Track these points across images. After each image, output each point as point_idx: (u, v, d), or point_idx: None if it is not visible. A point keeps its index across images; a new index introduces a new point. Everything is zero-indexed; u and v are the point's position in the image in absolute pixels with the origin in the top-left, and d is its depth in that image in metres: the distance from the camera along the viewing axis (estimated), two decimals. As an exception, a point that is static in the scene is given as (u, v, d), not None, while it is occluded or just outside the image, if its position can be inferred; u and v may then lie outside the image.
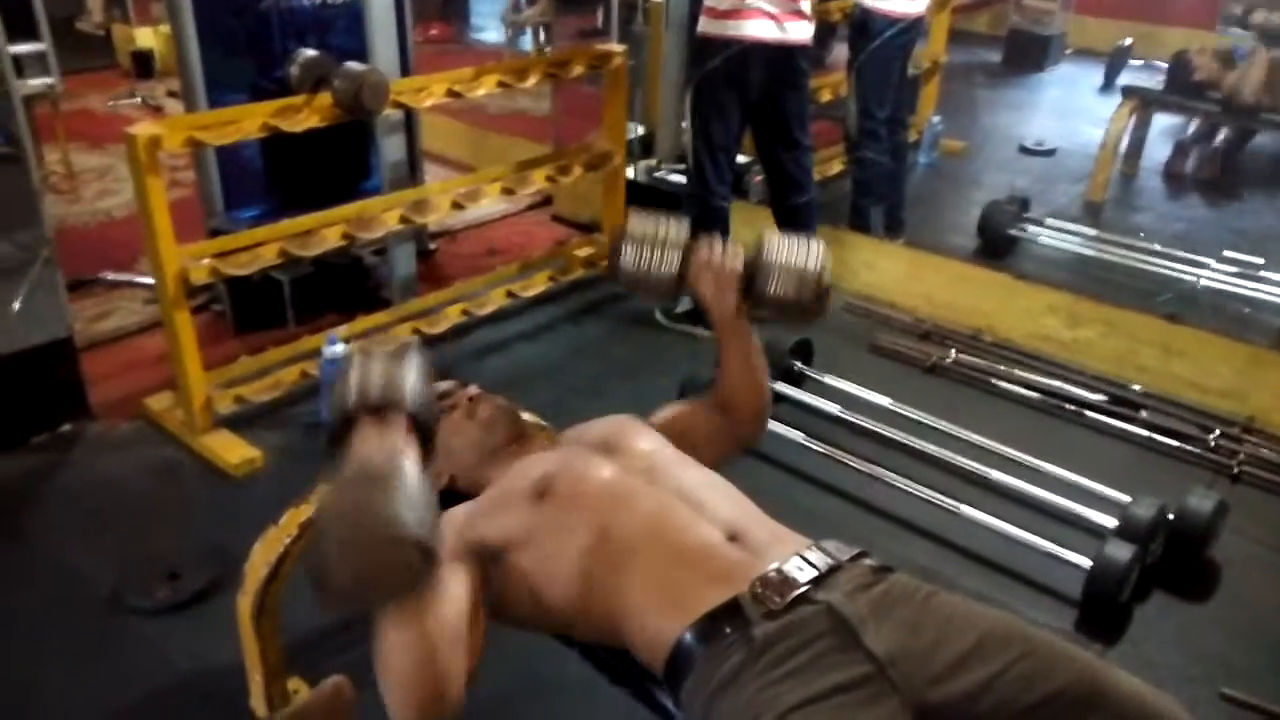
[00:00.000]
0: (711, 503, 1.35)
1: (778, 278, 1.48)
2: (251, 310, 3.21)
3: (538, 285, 3.39)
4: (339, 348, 2.70)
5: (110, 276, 3.53)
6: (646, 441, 1.47)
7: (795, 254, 1.49)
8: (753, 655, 1.15)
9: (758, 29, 2.94)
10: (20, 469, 2.51)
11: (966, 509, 2.36)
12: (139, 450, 2.63)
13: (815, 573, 1.23)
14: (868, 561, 1.29)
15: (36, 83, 4.59)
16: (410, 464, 1.10)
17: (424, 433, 1.22)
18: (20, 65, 4.67)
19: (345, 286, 3.35)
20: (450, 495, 1.55)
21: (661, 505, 1.32)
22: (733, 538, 1.28)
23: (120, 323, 3.28)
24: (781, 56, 3.01)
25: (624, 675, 1.35)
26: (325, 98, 2.56)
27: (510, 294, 3.30)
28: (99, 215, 4.18)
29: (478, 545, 1.35)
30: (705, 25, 3.01)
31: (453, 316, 3.16)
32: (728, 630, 1.18)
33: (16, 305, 2.43)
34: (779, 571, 1.22)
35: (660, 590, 1.24)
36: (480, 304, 3.22)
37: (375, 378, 1.21)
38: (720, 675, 1.15)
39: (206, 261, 2.50)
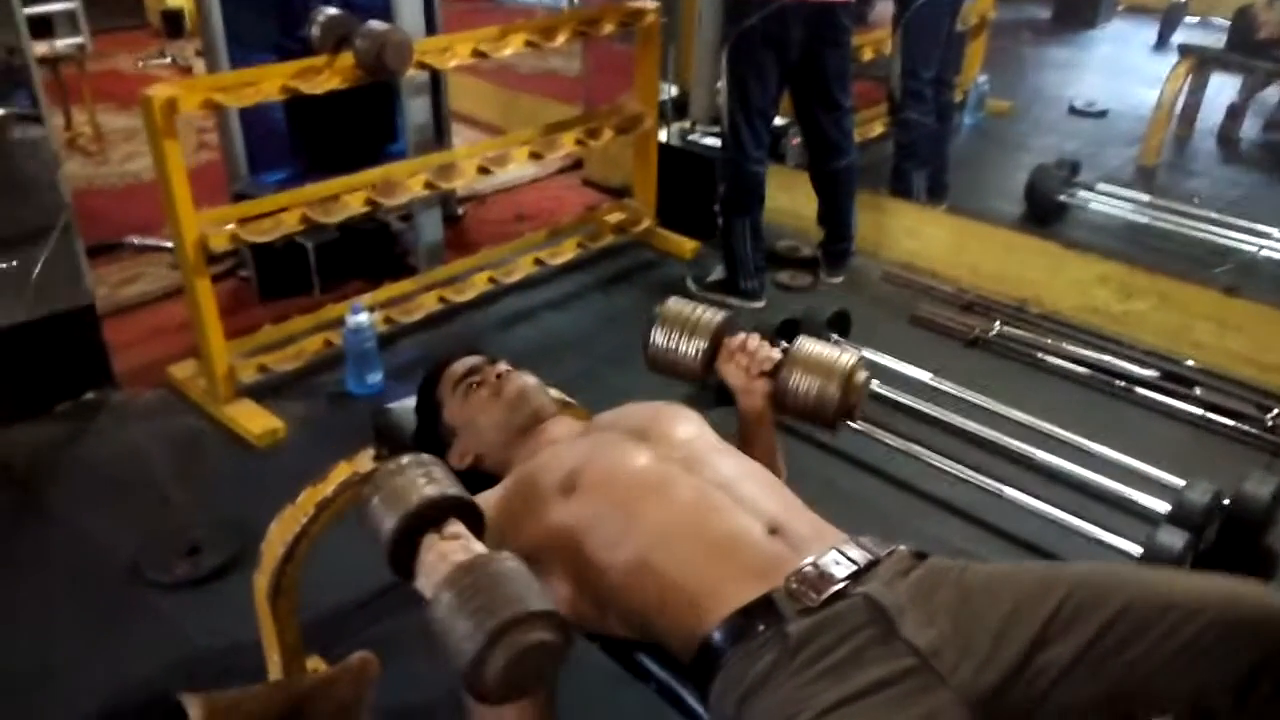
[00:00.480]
0: (752, 494, 1.28)
1: (802, 395, 1.43)
2: (277, 277, 3.16)
3: (567, 252, 3.30)
4: (362, 317, 2.64)
5: (136, 241, 3.50)
6: (685, 427, 1.40)
7: (825, 355, 1.45)
8: (787, 654, 1.09)
9: None
10: (43, 437, 2.48)
11: (1009, 490, 2.26)
12: (162, 419, 2.59)
13: (853, 567, 1.16)
14: (903, 548, 1.23)
15: (65, 42, 4.57)
16: (494, 554, 1.05)
17: (475, 517, 1.16)
18: (51, 24, 4.67)
19: (371, 253, 3.29)
20: (476, 475, 1.50)
21: (700, 495, 1.26)
22: (773, 531, 1.22)
23: (146, 288, 3.25)
24: (822, 13, 2.87)
25: (648, 671, 1.29)
26: (347, 58, 2.48)
27: (539, 261, 3.22)
28: (126, 178, 4.14)
29: (509, 549, 1.29)
30: None
31: (480, 284, 3.08)
32: (761, 628, 1.12)
33: (35, 273, 2.38)
34: (815, 566, 1.16)
35: (695, 582, 1.18)
36: (508, 271, 3.14)
37: (415, 492, 1.12)
38: (753, 675, 1.09)
39: (227, 228, 2.44)
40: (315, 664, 1.86)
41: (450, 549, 1.07)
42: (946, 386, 2.63)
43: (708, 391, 2.54)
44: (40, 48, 3.95)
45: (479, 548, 1.08)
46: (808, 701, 1.05)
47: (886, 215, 3.51)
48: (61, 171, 2.41)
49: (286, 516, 1.69)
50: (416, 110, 3.05)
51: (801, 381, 1.43)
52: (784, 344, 1.50)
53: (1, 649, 1.91)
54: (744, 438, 1.48)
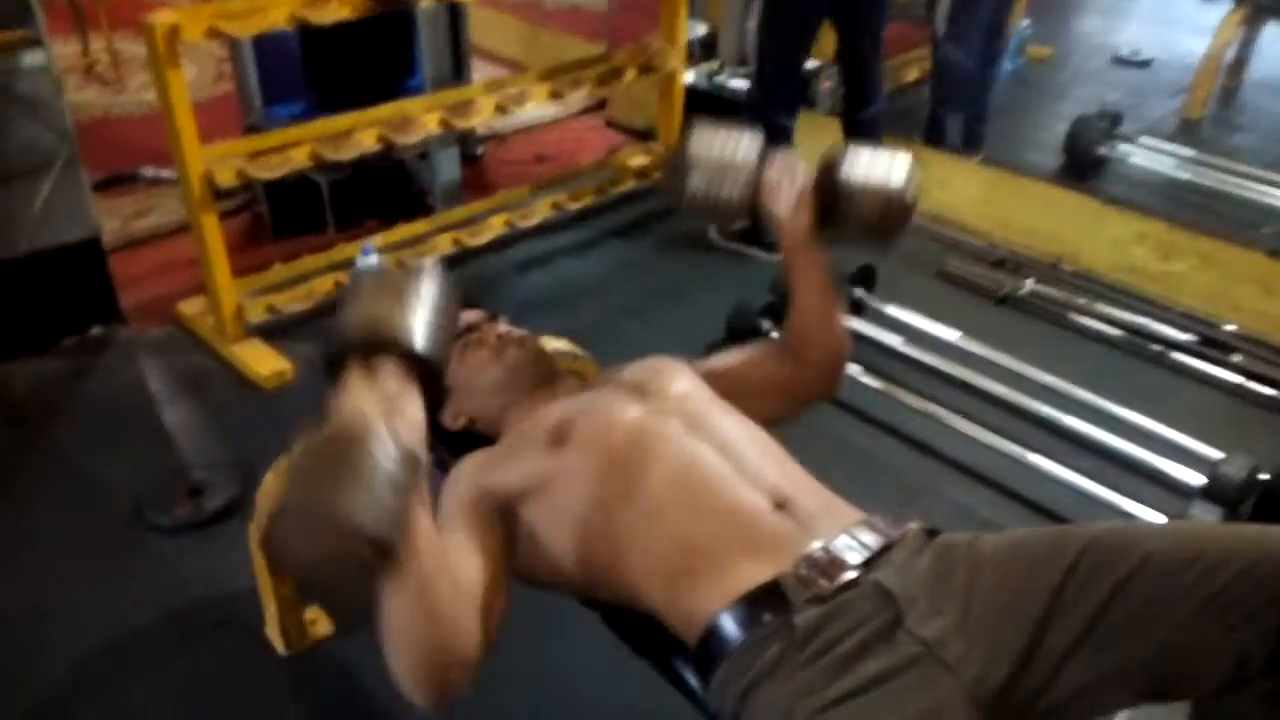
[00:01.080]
0: (755, 460, 1.20)
1: (859, 195, 1.30)
2: (290, 213, 3.09)
3: (585, 197, 3.20)
4: (373, 259, 2.56)
5: (150, 173, 3.42)
6: (682, 383, 1.32)
7: (878, 168, 1.32)
8: (794, 646, 1.02)
9: None
10: (47, 372, 2.45)
11: (1035, 458, 2.18)
12: (169, 357, 2.55)
13: (866, 553, 1.08)
14: (915, 525, 1.14)
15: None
16: (384, 437, 0.94)
17: (430, 378, 1.08)
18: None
19: (387, 191, 3.20)
20: (470, 436, 1.44)
21: (697, 457, 1.18)
22: (779, 505, 1.14)
23: (159, 221, 3.18)
24: None
25: (649, 646, 1.23)
26: (359, -13, 2.37)
27: (556, 205, 3.13)
28: (143, 107, 4.05)
29: (491, 495, 1.23)
30: None
31: (496, 227, 3.00)
32: (767, 617, 1.04)
33: (37, 205, 2.32)
34: (826, 551, 1.08)
35: (693, 557, 1.11)
36: (525, 215, 3.05)
37: (375, 309, 1.06)
38: (757, 667, 1.02)
39: (233, 163, 2.36)
40: (314, 614, 1.83)
41: (362, 395, 0.99)
42: (973, 346, 2.53)
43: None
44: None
45: (399, 403, 1.00)
46: (811, 697, 0.98)
47: (916, 164, 3.38)
48: (65, 100, 2.34)
49: (283, 466, 1.64)
50: (434, 44, 2.93)
51: (856, 206, 1.30)
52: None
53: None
54: (793, 275, 1.37)
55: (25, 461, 2.18)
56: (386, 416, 0.97)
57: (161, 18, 2.10)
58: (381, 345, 1.04)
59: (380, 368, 1.04)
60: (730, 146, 1.35)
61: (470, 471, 1.26)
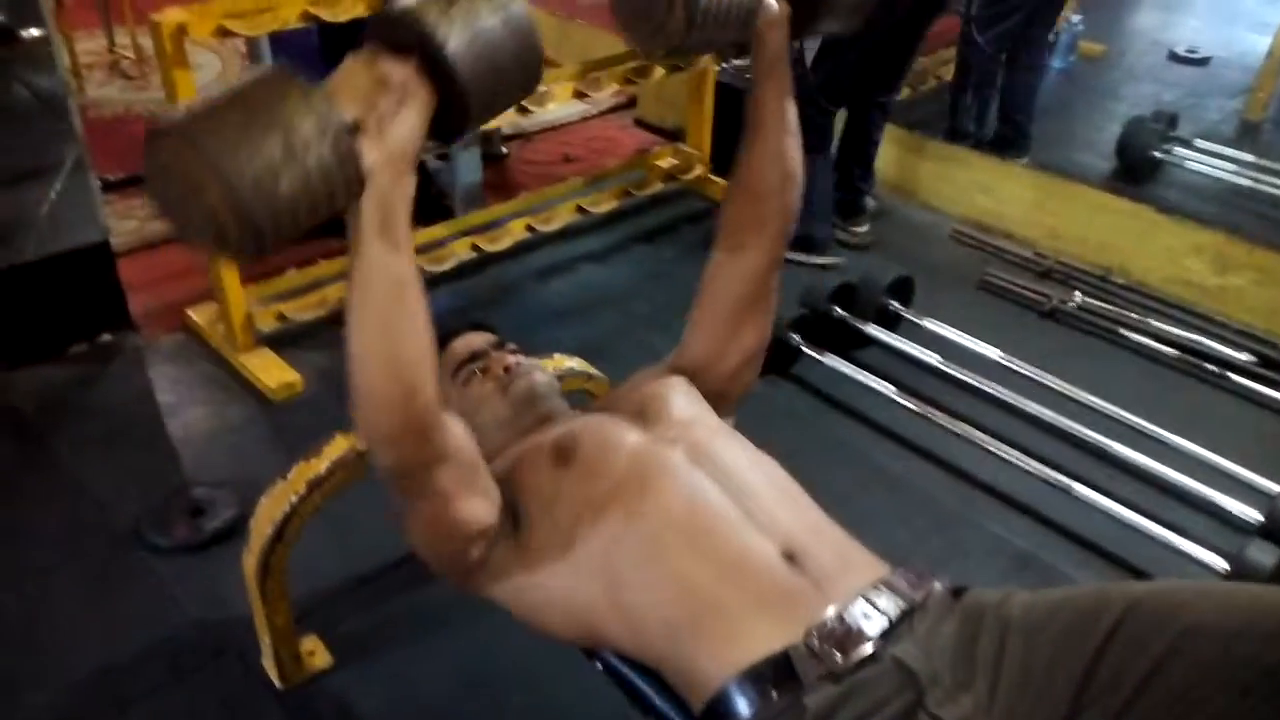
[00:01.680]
0: (765, 500, 1.10)
1: None
2: (307, 215, 3.01)
3: (611, 200, 3.09)
4: (386, 265, 2.48)
5: (170, 172, 3.37)
6: (685, 406, 1.22)
7: None
8: None
9: None
10: (54, 381, 2.39)
11: (1079, 487, 2.04)
12: (178, 366, 2.48)
13: (885, 622, 0.98)
14: (939, 586, 1.03)
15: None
16: (323, 99, 0.87)
17: (454, 100, 0.95)
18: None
19: (406, 193, 3.11)
20: None
21: (701, 493, 1.08)
22: (790, 556, 1.03)
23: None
24: None
25: (652, 705, 1.13)
26: (374, -17, 2.28)
27: (581, 209, 3.02)
28: (166, 104, 4.02)
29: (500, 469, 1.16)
30: None
31: (517, 232, 2.90)
32: (774, 694, 0.94)
33: (45, 209, 2.26)
34: (842, 621, 0.97)
35: (696, 607, 1.01)
36: (547, 219, 2.95)
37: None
38: None
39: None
40: (312, 644, 1.74)
41: (354, 82, 0.91)
42: (1016, 366, 2.39)
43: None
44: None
45: (387, 111, 0.91)
46: None
47: (957, 167, 3.24)
48: (74, 103, 2.27)
49: (277, 493, 1.56)
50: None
51: None
52: None
53: (-8, 608, 1.82)
54: (763, 83, 1.22)
55: (27, 475, 2.12)
56: (368, 105, 0.90)
57: (169, 15, 2.03)
58: (404, 27, 0.92)
59: (392, 56, 0.93)
60: None
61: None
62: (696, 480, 1.10)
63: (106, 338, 2.51)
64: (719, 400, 1.29)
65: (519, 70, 0.98)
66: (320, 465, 1.53)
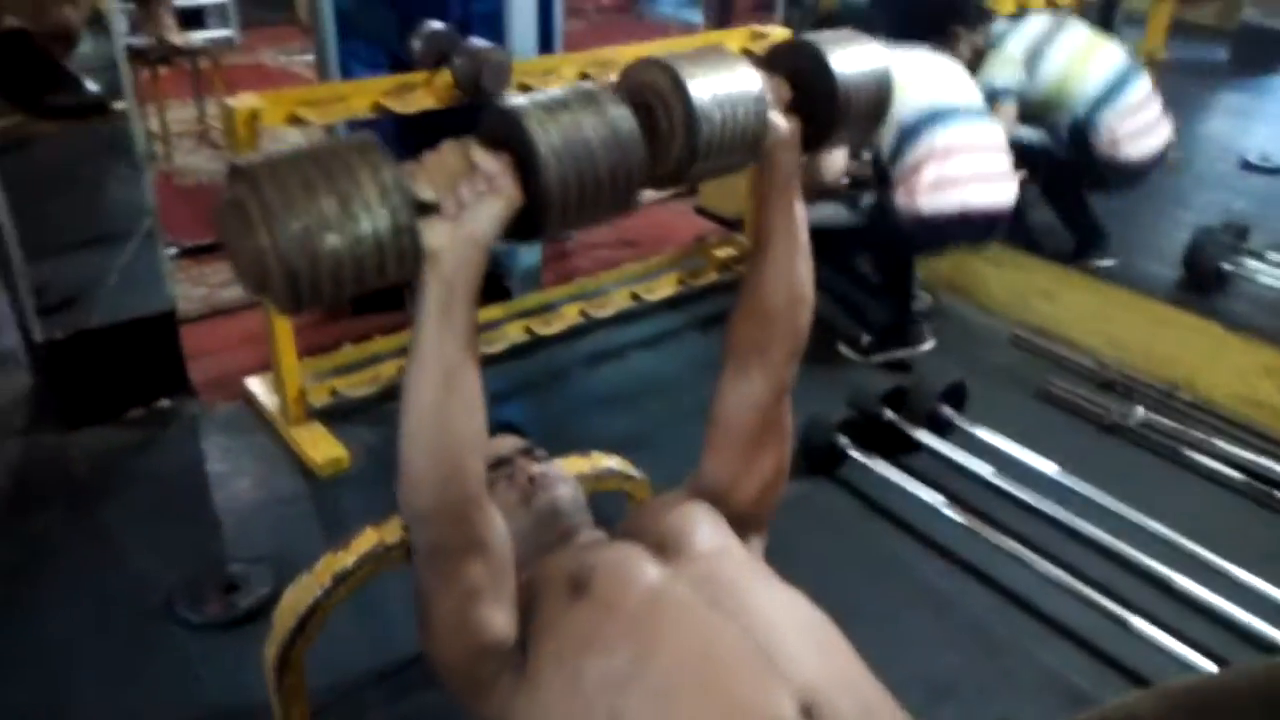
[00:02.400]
0: (790, 647, 1.04)
1: (855, 86, 1.20)
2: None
3: (666, 287, 3.10)
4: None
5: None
6: (709, 537, 1.18)
7: (856, 51, 1.22)
8: None
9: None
10: (110, 445, 2.43)
11: (1137, 621, 1.94)
12: (231, 435, 2.51)
13: None
14: None
15: (214, 34, 4.65)
16: (387, 162, 0.90)
17: (538, 207, 0.97)
18: (202, 16, 4.77)
19: (465, 272, 3.15)
20: None
21: (716, 638, 1.03)
22: (808, 711, 0.97)
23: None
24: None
25: None
26: (445, 76, 2.34)
27: (635, 296, 3.03)
28: (247, 174, 4.16)
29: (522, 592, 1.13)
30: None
31: (570, 316, 2.92)
32: None
33: (113, 277, 2.33)
34: None
35: None
36: (600, 305, 2.96)
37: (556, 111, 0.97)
38: None
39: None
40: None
41: (447, 164, 0.95)
42: (1074, 482, 2.31)
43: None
44: (182, 38, 4.02)
45: (472, 197, 0.95)
46: None
47: (1017, 271, 3.18)
48: (147, 176, 2.35)
49: (302, 584, 1.54)
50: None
51: (853, 75, 1.20)
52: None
53: (19, 678, 1.82)
54: (770, 211, 1.20)
55: (72, 541, 2.15)
56: (451, 187, 0.93)
57: (242, 101, 2.10)
58: (503, 126, 0.96)
59: (486, 149, 0.96)
60: (731, 76, 1.12)
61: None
62: (715, 623, 1.05)
63: (165, 403, 2.56)
64: (746, 524, 1.25)
65: (611, 187, 0.99)
66: (348, 559, 1.51)
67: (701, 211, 3.94)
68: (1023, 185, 3.31)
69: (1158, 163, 3.31)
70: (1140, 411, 2.67)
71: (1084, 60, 3.18)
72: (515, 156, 0.95)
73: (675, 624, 1.05)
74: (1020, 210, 3.33)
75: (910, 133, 2.64)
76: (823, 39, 1.23)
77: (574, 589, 1.09)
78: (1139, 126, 3.19)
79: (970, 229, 2.76)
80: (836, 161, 2.84)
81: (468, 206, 0.93)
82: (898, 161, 2.68)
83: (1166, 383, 2.81)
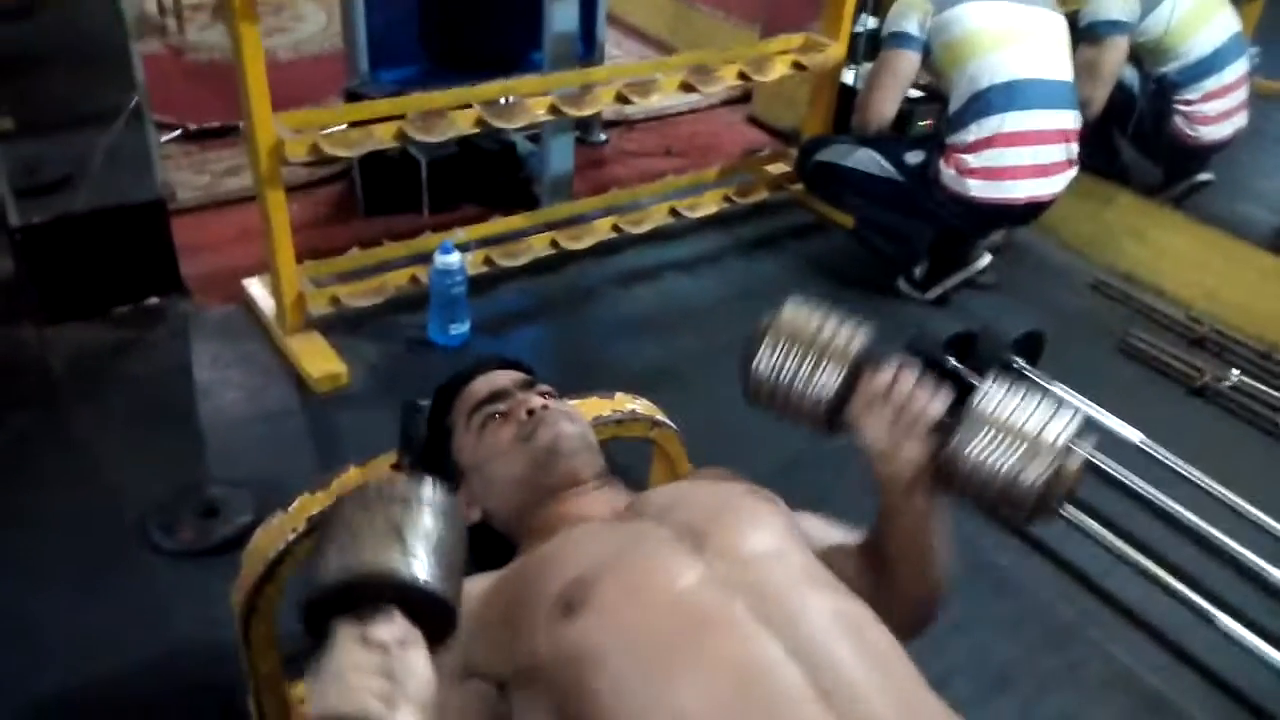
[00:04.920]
0: (853, 677, 0.80)
1: (993, 443, 0.91)
2: (383, 190, 2.81)
3: (709, 205, 2.82)
4: (453, 257, 2.26)
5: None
6: (760, 534, 0.93)
7: (1029, 414, 0.92)
8: None
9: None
10: (92, 343, 2.23)
11: (1223, 618, 1.70)
12: (223, 341, 2.30)
13: None
14: None
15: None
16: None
17: (440, 620, 0.81)
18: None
19: (491, 175, 2.89)
20: (483, 530, 1.10)
21: (768, 665, 0.80)
22: None
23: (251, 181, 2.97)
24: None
25: None
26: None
27: (674, 212, 2.75)
28: (267, 54, 3.87)
29: (480, 675, 0.89)
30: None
31: (602, 230, 2.65)
32: None
33: (98, 159, 2.10)
34: None
35: None
36: (636, 220, 2.69)
37: (362, 543, 0.80)
38: None
39: (309, 135, 2.07)
40: (306, 691, 1.53)
41: (356, 663, 0.74)
42: (1158, 452, 2.03)
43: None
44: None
45: (401, 672, 0.74)
46: None
47: (1105, 206, 2.85)
48: (135, 46, 2.10)
49: (275, 525, 1.33)
50: (560, 15, 2.58)
51: (984, 456, 0.91)
52: (952, 391, 0.99)
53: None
54: (887, 518, 0.99)
55: (44, 447, 1.97)
56: (386, 692, 0.72)
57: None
58: (375, 585, 0.78)
59: (374, 616, 0.76)
60: (829, 329, 1.00)
61: (464, 630, 0.92)
62: (763, 646, 0.81)
63: (153, 301, 2.35)
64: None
65: (461, 548, 0.86)
66: (327, 500, 1.30)
67: (754, 121, 3.61)
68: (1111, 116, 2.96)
69: (1220, 149, 2.94)
70: (1235, 375, 2.37)
71: (1199, 20, 2.79)
72: (403, 604, 0.79)
73: (712, 645, 0.82)
74: (1109, 137, 3.00)
75: (984, 103, 2.35)
76: (1012, 387, 0.95)
77: (565, 609, 0.85)
78: (1223, 109, 2.84)
79: (1013, 216, 2.52)
80: (884, 112, 2.53)
81: (405, 681, 0.74)
82: (960, 127, 2.38)
83: (1266, 344, 2.50)
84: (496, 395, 1.11)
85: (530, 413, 1.07)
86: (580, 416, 1.14)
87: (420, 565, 0.80)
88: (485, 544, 1.11)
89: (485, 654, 0.89)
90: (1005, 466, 0.90)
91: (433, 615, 0.81)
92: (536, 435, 1.05)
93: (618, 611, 0.84)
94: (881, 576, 1.00)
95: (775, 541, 0.93)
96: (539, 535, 1.02)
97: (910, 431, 0.95)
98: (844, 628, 0.85)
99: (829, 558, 0.98)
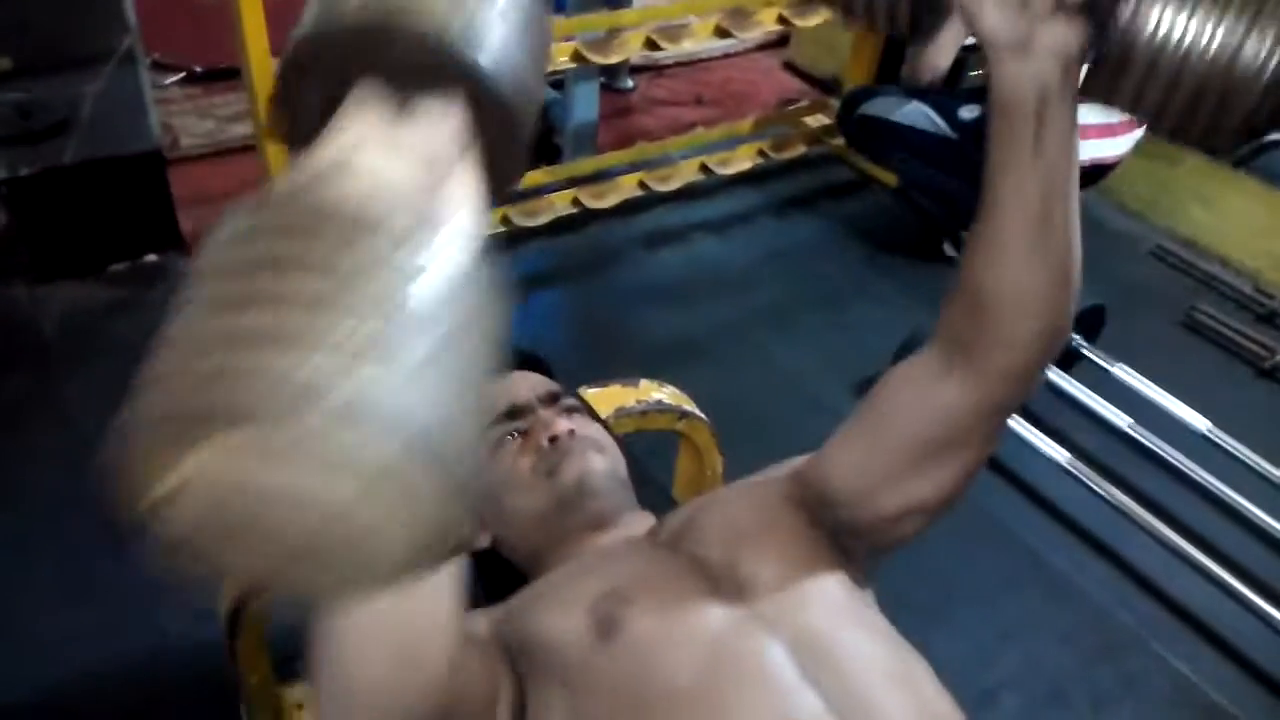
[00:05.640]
0: (884, 713, 0.70)
1: (1178, 18, 0.59)
2: (395, 139, 2.65)
3: (743, 161, 2.64)
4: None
5: (262, 69, 3.05)
6: (790, 567, 0.80)
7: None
8: None
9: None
10: (86, 303, 2.11)
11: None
12: (224, 301, 2.17)
13: None
14: None
15: None
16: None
17: (507, 136, 0.48)
18: None
19: (511, 124, 2.72)
20: (490, 558, 0.98)
21: (796, 713, 0.70)
22: None
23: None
24: None
25: None
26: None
27: (705, 168, 2.58)
28: (277, -7, 3.70)
29: (511, 636, 0.79)
30: None
31: (627, 188, 2.49)
32: None
33: (88, 107, 1.95)
34: None
35: None
36: (664, 176, 2.52)
37: None
38: None
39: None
40: (304, 694, 1.43)
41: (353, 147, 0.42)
42: (1227, 442, 1.88)
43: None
44: None
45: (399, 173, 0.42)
46: None
47: (1170, 167, 2.66)
48: (126, -16, 1.94)
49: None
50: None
51: (1177, 22, 0.59)
52: None
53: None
54: (1003, 146, 0.68)
55: (31, 417, 1.86)
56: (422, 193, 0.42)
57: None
58: (424, 56, 0.44)
59: (417, 101, 0.45)
60: None
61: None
62: (799, 698, 0.70)
63: (151, 258, 2.22)
64: (852, 537, 0.86)
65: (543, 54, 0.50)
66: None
67: (791, 68, 3.40)
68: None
69: None
70: (1309, 354, 2.20)
71: None
72: (468, 92, 0.44)
73: (740, 698, 0.71)
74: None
75: None
76: None
77: (601, 631, 0.74)
78: None
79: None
80: (945, 47, 2.30)
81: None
82: None
83: (1343, 320, 2.33)
84: (517, 411, 0.97)
85: (553, 439, 0.93)
86: (609, 443, 1.00)
87: (497, 44, 0.44)
88: (493, 571, 0.99)
89: (523, 626, 0.78)
90: (1218, 39, 0.58)
91: (498, 122, 0.47)
92: (561, 471, 0.91)
93: (646, 649, 0.73)
94: (983, 296, 0.71)
95: (810, 573, 0.80)
96: (555, 568, 0.89)
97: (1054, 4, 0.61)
98: (880, 665, 0.75)
99: (887, 397, 0.81)
